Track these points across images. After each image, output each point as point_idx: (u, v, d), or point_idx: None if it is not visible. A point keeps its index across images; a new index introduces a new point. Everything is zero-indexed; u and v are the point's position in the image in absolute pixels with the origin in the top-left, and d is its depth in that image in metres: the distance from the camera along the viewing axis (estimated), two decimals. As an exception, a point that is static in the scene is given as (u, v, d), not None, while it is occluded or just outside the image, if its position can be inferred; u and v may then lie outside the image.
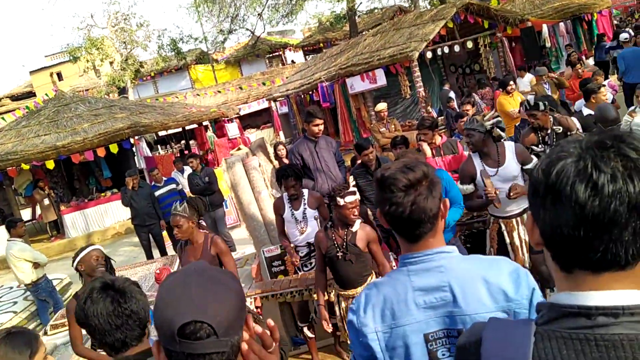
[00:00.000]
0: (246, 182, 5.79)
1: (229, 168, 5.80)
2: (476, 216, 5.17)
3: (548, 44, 14.84)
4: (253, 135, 21.68)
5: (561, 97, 10.13)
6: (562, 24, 15.23)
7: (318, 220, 4.93)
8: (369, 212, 5.14)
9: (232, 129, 16.32)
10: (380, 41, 14.94)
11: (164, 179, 9.62)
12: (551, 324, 0.88)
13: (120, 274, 9.17)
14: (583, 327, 0.84)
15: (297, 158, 5.42)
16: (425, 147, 5.57)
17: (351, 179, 5.54)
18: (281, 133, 21.96)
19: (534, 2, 16.29)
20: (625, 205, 0.80)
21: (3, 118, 16.48)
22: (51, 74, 31.63)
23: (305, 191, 5.02)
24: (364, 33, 19.88)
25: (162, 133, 18.93)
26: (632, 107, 6.57)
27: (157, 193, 9.23)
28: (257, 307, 4.61)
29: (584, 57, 14.08)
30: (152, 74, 30.36)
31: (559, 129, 4.90)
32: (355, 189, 3.87)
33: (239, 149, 6.44)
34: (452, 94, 12.87)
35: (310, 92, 17.10)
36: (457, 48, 13.91)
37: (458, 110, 12.36)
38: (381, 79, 13.86)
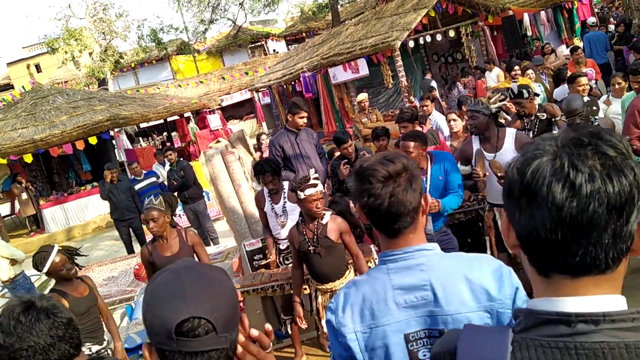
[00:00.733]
0: (226, 175, 5.71)
1: (208, 161, 5.70)
2: (460, 207, 5.15)
3: (529, 33, 14.87)
4: (236, 126, 21.52)
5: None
6: (543, 13, 15.28)
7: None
8: (351, 205, 5.08)
9: (214, 121, 16.12)
10: (362, 30, 14.88)
11: (144, 172, 9.47)
12: (529, 332, 0.84)
13: (100, 269, 9.07)
14: (562, 334, 0.80)
15: (277, 150, 5.36)
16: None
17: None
18: (264, 124, 21.84)
19: (515, -10, 16.31)
20: (604, 206, 0.76)
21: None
22: (29, 66, 31.09)
23: (286, 184, 4.96)
24: (346, 22, 19.78)
25: (143, 125, 18.70)
26: (606, 95, 6.62)
27: (136, 187, 9.08)
28: (239, 302, 4.56)
29: (564, 46, 14.13)
30: (133, 65, 29.95)
31: (543, 116, 4.89)
32: (317, 181, 3.76)
33: (218, 141, 6.33)
34: (434, 83, 12.84)
35: (293, 82, 17.00)
36: (439, 37, 13.90)
37: (440, 100, 12.40)
38: (363, 69, 13.83)
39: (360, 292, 1.52)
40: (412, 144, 4.13)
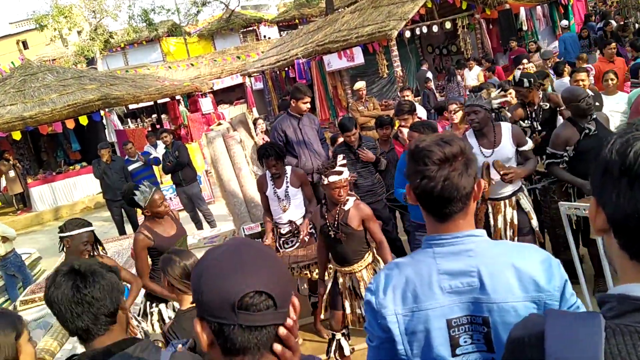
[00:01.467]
0: (227, 158, 5.66)
1: (210, 143, 5.65)
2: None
3: (525, 27, 14.93)
4: (226, 111, 21.35)
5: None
6: (539, 8, 15.34)
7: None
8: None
9: (206, 104, 16.00)
10: (358, 19, 14.79)
11: (138, 152, 9.38)
12: (623, 318, 0.82)
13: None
14: None
15: (280, 134, 5.32)
16: (406, 132, 5.51)
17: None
18: (254, 109, 21.70)
19: (512, -16, 16.33)
20: None
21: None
22: (17, 42, 30.50)
23: (288, 169, 4.94)
24: (340, 10, 19.66)
25: (132, 106, 18.46)
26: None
27: (130, 167, 9.00)
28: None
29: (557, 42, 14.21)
30: (122, 45, 29.50)
31: (547, 105, 4.90)
32: (342, 168, 3.70)
33: (220, 123, 6.27)
34: (429, 75, 12.87)
35: (286, 69, 16.90)
36: (435, 28, 13.87)
37: (435, 91, 12.42)
38: (359, 57, 13.77)
39: (404, 274, 1.50)
40: (416, 134, 4.14)
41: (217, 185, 10.17)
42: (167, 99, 16.63)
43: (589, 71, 6.93)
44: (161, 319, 3.98)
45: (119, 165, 8.86)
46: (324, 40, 14.85)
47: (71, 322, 1.65)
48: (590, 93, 4.53)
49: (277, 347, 1.03)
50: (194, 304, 1.08)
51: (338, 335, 4.05)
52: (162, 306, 4.03)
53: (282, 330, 1.03)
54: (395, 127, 6.23)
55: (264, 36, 30.99)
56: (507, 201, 4.11)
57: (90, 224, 3.77)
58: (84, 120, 13.09)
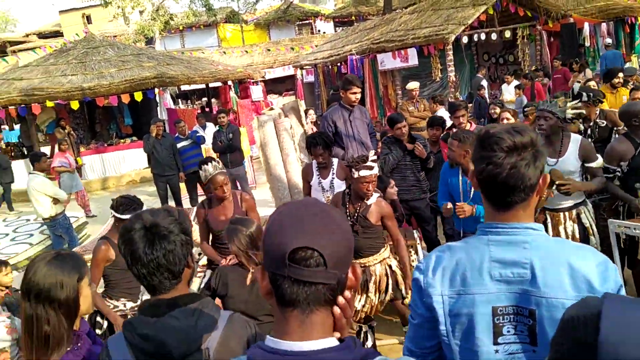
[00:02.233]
0: (275, 143, 5.75)
1: (260, 126, 5.75)
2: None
3: (587, 43, 14.51)
4: (275, 101, 21.56)
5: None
6: (604, 25, 14.84)
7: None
8: (392, 186, 5.00)
9: (257, 92, 16.21)
10: (416, 20, 14.70)
11: (189, 132, 9.62)
12: None
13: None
14: None
15: (330, 125, 5.36)
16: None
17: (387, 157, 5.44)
18: (303, 102, 21.81)
19: (578, -2, 15.91)
20: None
21: (34, 51, 16.48)
22: (83, 15, 31.53)
23: (335, 161, 4.98)
24: (397, 10, 19.55)
25: (184, 87, 18.85)
26: None
27: (179, 145, 9.24)
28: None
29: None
30: (181, 28, 30.06)
31: (603, 123, 4.79)
32: (374, 164, 3.73)
33: (272, 108, 6.36)
34: (484, 82, 12.69)
35: (339, 64, 16.92)
36: (494, 36, 13.66)
37: (487, 99, 12.24)
38: (413, 59, 13.68)
39: (455, 257, 1.51)
40: (456, 142, 4.11)
41: (259, 172, 10.34)
42: (219, 84, 16.91)
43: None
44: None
45: (168, 142, 9.10)
46: (380, 38, 14.81)
47: (139, 277, 1.68)
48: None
49: (337, 310, 1.07)
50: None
51: (365, 328, 4.10)
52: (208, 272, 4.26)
53: (336, 310, 1.07)
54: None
55: (319, 30, 31.09)
56: (566, 213, 4.00)
57: (141, 205, 3.91)
58: (138, 96, 13.47)
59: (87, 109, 15.66)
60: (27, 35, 34.72)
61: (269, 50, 23.92)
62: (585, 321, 0.88)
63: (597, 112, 4.90)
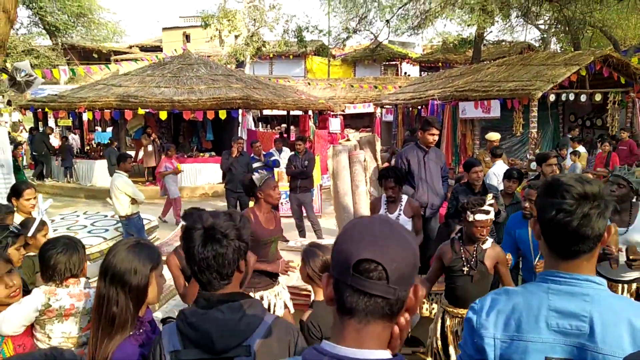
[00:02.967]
0: (347, 173, 5.86)
1: (335, 155, 5.89)
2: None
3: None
4: (351, 135, 21.85)
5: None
6: None
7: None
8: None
9: (335, 124, 16.56)
10: (504, 73, 14.57)
11: (264, 153, 9.94)
12: None
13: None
14: None
15: (403, 162, 5.41)
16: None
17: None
18: (379, 138, 21.93)
19: (679, 69, 15.20)
20: None
21: (135, 61, 17.64)
22: (183, 34, 33.51)
23: (405, 197, 5.00)
24: (485, 62, 19.44)
25: (266, 112, 19.50)
26: None
27: (254, 165, 9.56)
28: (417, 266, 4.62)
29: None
30: (271, 55, 31.29)
31: None
32: (490, 208, 3.60)
33: (348, 139, 6.52)
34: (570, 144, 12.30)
35: (420, 107, 16.98)
36: (583, 97, 13.28)
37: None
38: (495, 110, 13.52)
39: (512, 301, 1.50)
40: (534, 192, 4.03)
41: (327, 201, 10.46)
42: (300, 112, 17.37)
43: None
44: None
45: (245, 161, 9.45)
46: (464, 87, 14.77)
47: (192, 272, 1.80)
48: None
49: (396, 329, 1.11)
50: None
51: None
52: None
53: (395, 329, 1.11)
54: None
55: (404, 72, 31.38)
56: (625, 286, 3.84)
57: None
58: (223, 115, 14.06)
59: (173, 121, 16.51)
60: (131, 47, 37.25)
61: (352, 86, 24.39)
62: None
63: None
